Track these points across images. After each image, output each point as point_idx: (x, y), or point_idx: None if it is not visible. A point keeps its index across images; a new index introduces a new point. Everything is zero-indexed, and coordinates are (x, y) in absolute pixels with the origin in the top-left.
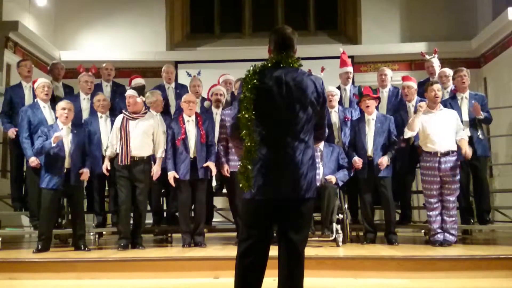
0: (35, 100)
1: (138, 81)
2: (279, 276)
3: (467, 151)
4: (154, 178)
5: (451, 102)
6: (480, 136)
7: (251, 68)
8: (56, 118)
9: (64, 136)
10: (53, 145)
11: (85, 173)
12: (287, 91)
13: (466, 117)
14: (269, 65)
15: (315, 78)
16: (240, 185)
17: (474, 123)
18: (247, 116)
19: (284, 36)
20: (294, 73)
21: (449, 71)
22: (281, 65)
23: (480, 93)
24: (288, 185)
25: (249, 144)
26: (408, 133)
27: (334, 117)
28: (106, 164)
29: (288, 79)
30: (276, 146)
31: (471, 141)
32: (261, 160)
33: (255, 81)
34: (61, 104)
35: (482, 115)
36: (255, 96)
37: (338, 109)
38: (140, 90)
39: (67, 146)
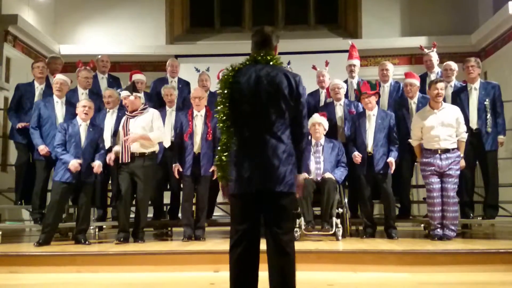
0: (53, 95)
1: (138, 77)
2: (269, 270)
3: (462, 164)
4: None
5: (460, 93)
6: (489, 129)
7: (230, 66)
8: (69, 115)
9: (82, 132)
10: (69, 166)
11: (98, 166)
12: (259, 87)
13: (474, 109)
14: (247, 62)
15: (292, 74)
16: (218, 178)
17: (482, 116)
18: (222, 111)
19: (262, 35)
20: (269, 69)
21: (454, 65)
22: (260, 62)
23: (494, 82)
24: (259, 178)
25: (224, 137)
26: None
27: (339, 110)
28: (111, 156)
29: (262, 75)
30: (249, 140)
31: (479, 135)
32: (236, 155)
33: (232, 78)
34: (82, 102)
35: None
36: (230, 92)
37: (344, 103)
38: (132, 88)
39: (82, 142)
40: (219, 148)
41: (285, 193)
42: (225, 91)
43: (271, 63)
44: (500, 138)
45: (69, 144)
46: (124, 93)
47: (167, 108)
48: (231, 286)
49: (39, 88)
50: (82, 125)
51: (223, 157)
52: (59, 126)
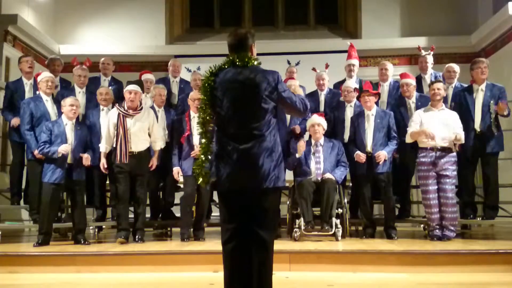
0: (38, 93)
1: (148, 76)
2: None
3: (459, 133)
4: (152, 168)
5: (465, 94)
6: (494, 130)
7: (209, 70)
8: (61, 113)
9: (68, 131)
10: (58, 155)
11: (86, 158)
12: (238, 90)
13: (479, 110)
14: (225, 66)
15: (269, 73)
16: (198, 181)
17: (486, 117)
18: (203, 117)
19: (236, 37)
20: (247, 71)
21: (456, 67)
22: (237, 65)
23: (499, 84)
24: (244, 177)
25: (205, 142)
26: (409, 139)
27: (349, 112)
28: (103, 163)
29: (241, 78)
30: (232, 141)
31: (482, 136)
32: (219, 155)
33: (211, 83)
34: (69, 101)
35: (506, 112)
36: (210, 97)
37: (355, 104)
38: (140, 85)
39: (70, 142)
40: (199, 151)
41: (270, 189)
42: (205, 97)
43: (248, 65)
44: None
45: (55, 145)
46: (133, 87)
47: (156, 108)
48: (225, 282)
49: (28, 83)
50: (68, 124)
51: (204, 161)
52: (44, 127)
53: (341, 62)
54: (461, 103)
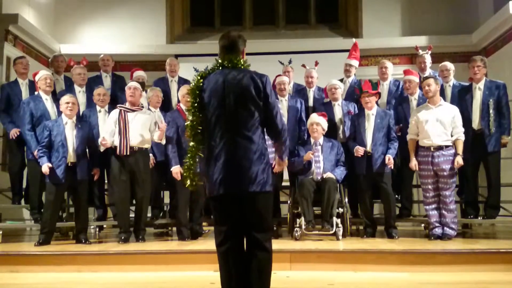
0: (37, 92)
1: (140, 73)
2: (247, 266)
3: (459, 161)
4: (158, 138)
5: (464, 93)
6: (492, 129)
7: (200, 73)
8: (60, 112)
9: (68, 130)
10: (42, 170)
11: (97, 173)
12: (227, 90)
13: (477, 109)
14: (215, 68)
15: (258, 75)
16: (186, 184)
17: (485, 116)
18: (191, 119)
19: (228, 40)
20: (236, 72)
21: (449, 65)
22: (227, 67)
23: (499, 81)
24: (232, 180)
25: (193, 144)
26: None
27: (338, 111)
28: (105, 141)
29: (229, 79)
30: (220, 143)
31: (481, 135)
32: (208, 158)
33: (200, 85)
34: (65, 98)
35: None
36: (199, 100)
37: (342, 103)
38: (141, 85)
39: (72, 141)
40: (188, 154)
41: (258, 192)
42: (193, 100)
43: (238, 66)
44: (504, 138)
45: (55, 145)
46: (133, 83)
47: (152, 109)
48: (222, 284)
49: (24, 83)
50: (68, 123)
51: (192, 164)
52: (43, 127)
53: (342, 62)
54: (460, 103)
